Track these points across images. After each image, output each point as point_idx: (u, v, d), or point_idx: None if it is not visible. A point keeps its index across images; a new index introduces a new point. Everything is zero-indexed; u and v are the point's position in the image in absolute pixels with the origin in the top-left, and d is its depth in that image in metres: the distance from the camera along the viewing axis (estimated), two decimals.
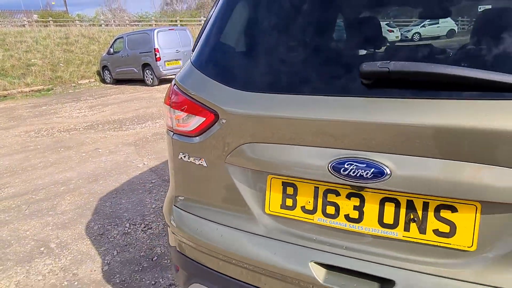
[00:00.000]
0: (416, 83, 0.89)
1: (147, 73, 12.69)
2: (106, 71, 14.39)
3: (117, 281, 2.37)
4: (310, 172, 1.02)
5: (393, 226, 0.96)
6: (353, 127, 0.94)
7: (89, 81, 14.81)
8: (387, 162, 0.92)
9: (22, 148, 5.86)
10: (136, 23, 27.22)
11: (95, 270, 2.49)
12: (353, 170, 0.94)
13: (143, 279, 2.36)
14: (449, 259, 0.90)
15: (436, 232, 0.92)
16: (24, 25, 23.52)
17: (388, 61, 0.88)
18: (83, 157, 5.15)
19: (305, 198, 1.07)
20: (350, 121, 0.95)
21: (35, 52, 15.37)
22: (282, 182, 1.11)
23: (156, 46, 12.09)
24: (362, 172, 0.93)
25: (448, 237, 0.90)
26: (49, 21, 23.99)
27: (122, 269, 2.48)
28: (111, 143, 5.77)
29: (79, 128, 7.01)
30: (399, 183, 0.91)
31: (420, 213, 0.93)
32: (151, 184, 3.91)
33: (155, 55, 12.09)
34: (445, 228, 0.91)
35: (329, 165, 0.98)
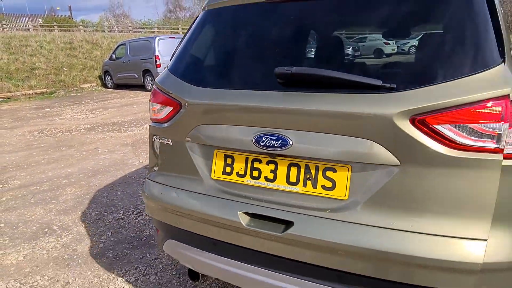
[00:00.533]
0: (309, 82, 1.33)
1: (147, 79, 13.16)
2: (107, 76, 14.87)
3: (110, 255, 2.77)
4: (241, 144, 1.44)
5: (295, 183, 1.37)
6: (269, 111, 1.39)
7: (91, 85, 15.28)
8: (290, 135, 1.35)
9: (27, 146, 6.27)
10: (139, 30, 27.81)
11: (91, 247, 2.89)
12: (268, 141, 1.37)
13: (133, 254, 2.76)
14: (331, 205, 1.31)
15: (323, 187, 1.33)
16: (29, 29, 24.06)
17: (292, 67, 1.32)
18: (84, 155, 5.56)
19: (239, 166, 1.49)
20: (267, 107, 1.39)
21: (40, 56, 15.86)
22: (224, 155, 1.53)
23: (157, 53, 12.58)
24: (274, 143, 1.36)
25: (330, 190, 1.31)
26: (53, 26, 24.55)
27: (115, 247, 2.88)
28: (110, 143, 6.19)
29: (81, 129, 7.43)
30: (298, 150, 1.33)
31: (313, 173, 1.34)
32: (144, 179, 4.31)
33: (156, 61, 12.57)
34: (329, 184, 1.32)
35: (253, 138, 1.41)
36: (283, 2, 1.53)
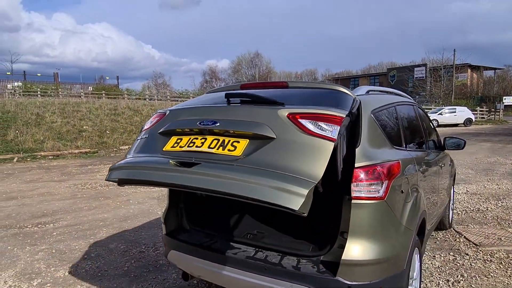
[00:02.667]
0: (244, 100, 2.34)
1: None
2: None
3: (132, 275, 3.67)
4: (190, 127, 2.29)
5: (213, 147, 2.12)
6: (209, 112, 2.34)
7: (129, 147, 16.99)
8: (219, 119, 2.19)
9: (72, 196, 7.48)
10: (176, 98, 30.53)
11: (118, 269, 3.82)
12: (204, 123, 2.20)
13: (149, 276, 3.65)
14: (231, 159, 1.98)
15: (229, 149, 2.03)
16: (80, 96, 27.24)
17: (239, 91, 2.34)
18: (117, 205, 6.65)
19: (184, 141, 2.26)
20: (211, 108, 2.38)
21: (87, 120, 18.03)
22: (177, 138, 2.33)
23: None
24: (209, 124, 2.19)
25: (233, 151, 2.01)
26: (102, 93, 27.70)
27: (136, 270, 3.79)
28: (140, 196, 7.28)
29: (116, 185, 8.64)
30: (220, 127, 2.14)
31: (226, 141, 2.11)
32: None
33: None
34: (232, 148, 2.02)
35: (198, 122, 2.23)
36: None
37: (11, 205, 6.71)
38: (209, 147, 2.12)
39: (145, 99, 28.58)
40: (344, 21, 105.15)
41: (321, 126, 1.97)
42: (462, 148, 4.29)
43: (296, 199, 1.73)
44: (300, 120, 2.03)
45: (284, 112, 2.08)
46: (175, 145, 2.27)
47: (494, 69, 53.60)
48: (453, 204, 5.18)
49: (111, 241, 4.68)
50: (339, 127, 1.97)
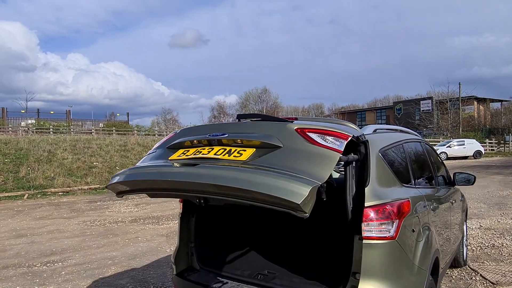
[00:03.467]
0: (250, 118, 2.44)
1: None
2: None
3: None
4: (199, 139, 2.34)
5: (219, 155, 2.13)
6: (219, 127, 2.41)
7: None
8: (228, 132, 2.24)
9: (81, 233, 7.47)
10: None
11: None
12: (213, 134, 2.25)
13: None
14: (236, 163, 2.00)
15: (235, 156, 2.05)
16: (91, 133, 27.77)
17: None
18: (126, 242, 6.62)
19: (191, 152, 2.28)
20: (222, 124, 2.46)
21: (98, 157, 18.27)
22: (184, 150, 2.36)
23: None
24: (218, 135, 2.23)
25: (239, 157, 2.03)
26: (112, 130, 28.21)
27: None
28: (148, 234, 7.25)
29: (125, 221, 8.63)
30: (229, 138, 2.18)
31: (232, 150, 2.13)
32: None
33: None
34: (238, 154, 2.08)
35: (207, 134, 2.28)
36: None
37: (20, 243, 6.72)
38: (215, 154, 2.15)
39: (154, 135, 29.01)
40: (349, 57, 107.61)
41: (328, 140, 2.03)
42: (472, 184, 4.27)
43: (298, 195, 1.71)
44: (308, 133, 2.09)
45: (293, 126, 2.16)
46: (182, 155, 2.29)
47: (501, 101, 53.72)
48: (466, 240, 5.07)
49: (119, 280, 4.63)
50: (345, 141, 2.02)
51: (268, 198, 1.77)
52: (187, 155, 2.25)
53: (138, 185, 2.29)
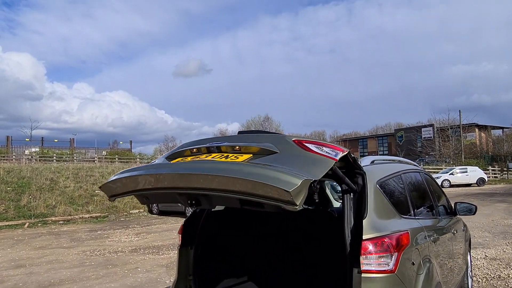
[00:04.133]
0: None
1: (188, 207, 14.60)
2: (154, 203, 16.56)
3: None
4: (198, 146, 2.34)
5: (217, 158, 2.12)
6: (219, 138, 2.39)
7: (139, 211, 16.97)
8: (227, 141, 2.24)
9: (80, 264, 7.38)
10: None
11: None
12: (213, 143, 2.25)
13: None
14: (234, 163, 2.04)
15: (232, 159, 2.06)
16: (94, 161, 27.88)
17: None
18: (125, 273, 6.52)
19: (189, 159, 2.28)
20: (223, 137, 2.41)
21: (100, 185, 18.24)
22: (183, 158, 2.36)
23: None
24: (217, 143, 2.25)
25: (236, 160, 2.06)
26: (115, 158, 28.32)
27: None
28: (148, 264, 7.16)
29: (125, 251, 8.54)
30: (227, 145, 2.18)
31: (230, 155, 2.11)
32: None
33: None
34: (236, 158, 2.07)
35: (207, 143, 2.28)
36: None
37: (19, 274, 6.64)
38: (212, 158, 2.18)
39: None
40: (349, 85, 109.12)
41: (324, 150, 2.07)
42: (474, 213, 4.25)
43: (290, 183, 1.72)
44: (305, 144, 2.13)
45: (291, 138, 2.21)
46: (180, 160, 2.32)
47: (502, 128, 53.85)
48: (471, 271, 4.99)
49: None
50: (341, 153, 2.05)
51: (259, 188, 1.78)
52: (185, 161, 2.29)
53: (132, 183, 2.26)
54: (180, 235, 2.94)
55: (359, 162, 2.36)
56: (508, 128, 53.97)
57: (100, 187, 2.39)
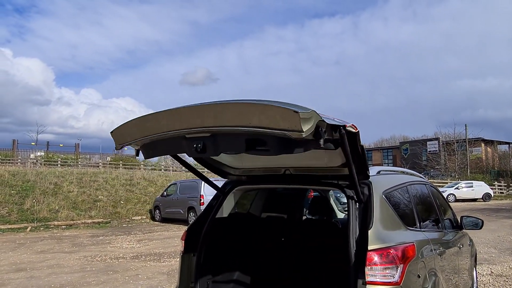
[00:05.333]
0: None
1: (190, 215, 14.57)
2: (157, 210, 16.56)
3: None
4: None
5: None
6: None
7: (141, 217, 16.95)
8: None
9: (81, 269, 7.34)
10: None
11: None
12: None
13: None
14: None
15: None
16: (98, 166, 27.97)
17: None
18: (126, 280, 6.47)
19: None
20: None
21: (103, 190, 18.29)
22: None
23: (202, 193, 14.24)
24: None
25: None
26: (119, 164, 28.37)
27: None
28: (149, 271, 7.10)
29: (127, 257, 8.49)
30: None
31: None
32: None
33: (200, 200, 14.15)
34: None
35: None
36: None
37: (19, 277, 6.61)
38: None
39: (160, 170, 29.09)
40: (355, 97, 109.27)
41: (336, 119, 1.99)
42: (480, 228, 4.18)
43: (300, 108, 1.70)
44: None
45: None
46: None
47: (508, 143, 53.42)
48: None
49: None
50: (352, 128, 1.98)
51: (268, 112, 1.74)
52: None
53: (139, 126, 2.20)
54: (183, 242, 2.92)
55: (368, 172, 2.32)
56: None
57: (111, 133, 2.35)
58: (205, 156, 2.20)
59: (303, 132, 1.67)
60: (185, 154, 2.32)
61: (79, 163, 29.46)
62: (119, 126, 2.30)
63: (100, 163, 29.52)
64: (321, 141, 1.79)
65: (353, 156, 2.04)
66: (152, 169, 28.65)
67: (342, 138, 1.89)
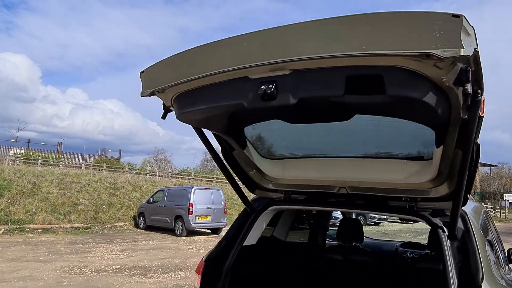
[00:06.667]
0: None
1: (177, 224, 13.75)
2: (141, 217, 15.66)
3: None
4: None
5: None
6: None
7: (124, 224, 16.01)
8: None
9: (56, 283, 6.51)
10: (176, 176, 29.99)
11: None
12: None
13: None
14: None
15: None
16: (81, 167, 26.79)
17: None
18: None
19: None
20: None
21: (85, 193, 17.29)
22: None
23: (191, 202, 13.48)
24: None
25: None
26: (103, 166, 27.24)
27: None
28: None
29: (109, 270, 7.68)
30: None
31: None
32: None
33: (189, 209, 13.37)
34: None
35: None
36: None
37: None
38: None
39: (145, 174, 28.05)
40: None
41: None
42: None
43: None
44: None
45: None
46: None
47: (490, 165, 54.15)
48: None
49: None
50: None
51: (400, 23, 1.04)
52: None
53: (184, 63, 1.50)
54: (198, 276, 2.24)
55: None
56: (495, 166, 54.31)
57: (141, 73, 1.67)
58: (273, 104, 1.33)
59: (463, 48, 0.98)
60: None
61: (61, 163, 28.20)
62: (153, 65, 1.62)
63: (82, 164, 28.31)
64: (465, 89, 1.10)
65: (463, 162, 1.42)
66: (137, 173, 27.59)
67: (475, 110, 1.22)
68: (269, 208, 2.33)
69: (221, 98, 1.49)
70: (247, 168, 2.23)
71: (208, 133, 2.13)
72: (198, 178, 28.58)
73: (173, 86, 1.56)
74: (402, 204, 1.91)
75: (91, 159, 35.75)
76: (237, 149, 2.10)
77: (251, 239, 2.31)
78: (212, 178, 28.81)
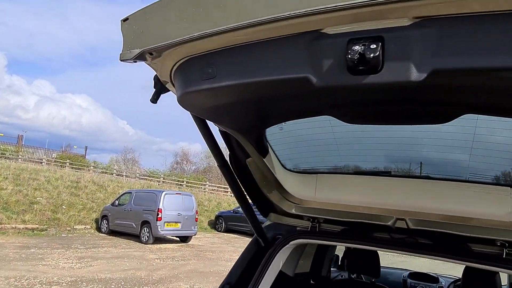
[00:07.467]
0: None
1: (144, 230, 12.80)
2: (104, 220, 14.55)
3: None
4: None
5: None
6: None
7: (85, 227, 14.82)
8: None
9: None
10: (145, 177, 28.78)
11: None
12: None
13: None
14: None
15: None
16: (41, 163, 25.05)
17: None
18: None
19: None
20: None
21: (43, 191, 15.93)
22: None
23: (160, 207, 12.58)
24: None
25: None
26: (66, 163, 25.62)
27: None
28: None
29: (62, 283, 6.74)
30: None
31: None
32: None
33: (157, 214, 12.47)
34: None
35: None
36: None
37: None
38: None
39: (112, 174, 26.61)
40: None
41: None
42: None
43: None
44: None
45: None
46: None
47: None
48: None
49: None
50: None
51: None
52: None
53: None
54: None
55: None
56: None
57: (123, 21, 1.00)
58: (375, 81, 0.74)
59: None
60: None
61: (20, 156, 26.28)
62: (146, 7, 0.97)
63: (44, 159, 26.50)
64: None
65: None
66: (102, 172, 26.15)
67: None
68: (292, 242, 1.68)
69: (267, 69, 0.85)
70: (263, 183, 1.60)
71: (214, 130, 1.48)
72: (167, 181, 27.50)
73: (180, 44, 0.90)
74: (495, 250, 1.33)
75: (54, 155, 33.78)
76: (254, 157, 1.46)
77: (264, 286, 1.64)
78: (183, 181, 27.83)
